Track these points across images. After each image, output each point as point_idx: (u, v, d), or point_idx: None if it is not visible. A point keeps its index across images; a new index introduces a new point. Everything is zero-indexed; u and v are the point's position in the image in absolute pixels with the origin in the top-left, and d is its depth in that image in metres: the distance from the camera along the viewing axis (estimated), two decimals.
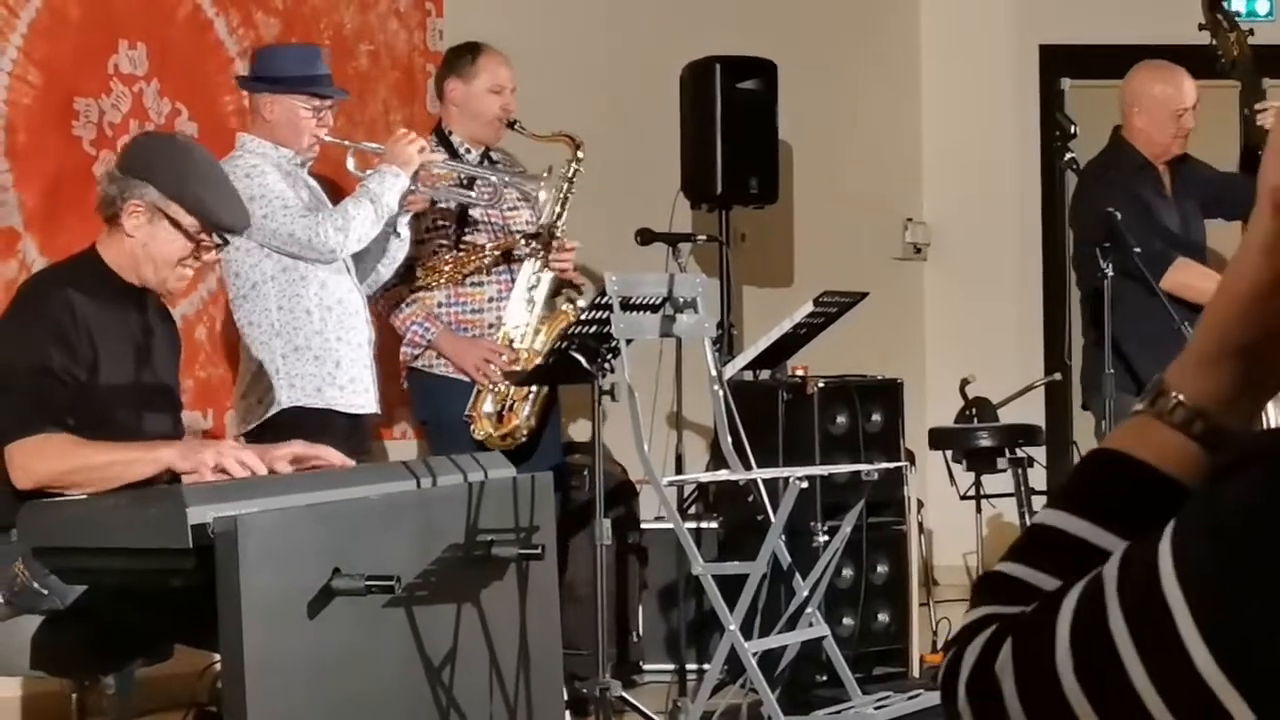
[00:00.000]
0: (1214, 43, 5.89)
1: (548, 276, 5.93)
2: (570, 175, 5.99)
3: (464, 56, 6.12)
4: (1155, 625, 1.10)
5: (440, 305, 5.97)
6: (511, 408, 5.92)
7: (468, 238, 5.98)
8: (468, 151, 6.08)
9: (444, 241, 5.97)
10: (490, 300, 5.97)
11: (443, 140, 6.06)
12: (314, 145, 5.49)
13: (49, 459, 3.93)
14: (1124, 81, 6.28)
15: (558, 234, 5.95)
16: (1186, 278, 5.84)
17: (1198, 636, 1.08)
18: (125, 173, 4.18)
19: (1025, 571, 1.22)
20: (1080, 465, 1.27)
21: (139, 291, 4.23)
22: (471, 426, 5.89)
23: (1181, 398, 1.21)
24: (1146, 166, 6.18)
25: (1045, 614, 1.15)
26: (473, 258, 5.97)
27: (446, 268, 5.95)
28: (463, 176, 5.96)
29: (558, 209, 5.97)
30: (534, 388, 5.90)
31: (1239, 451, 1.15)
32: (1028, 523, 6.64)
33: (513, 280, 5.96)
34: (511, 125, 6.06)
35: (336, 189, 5.75)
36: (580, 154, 6.02)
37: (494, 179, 5.91)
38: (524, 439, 5.87)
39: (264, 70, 5.51)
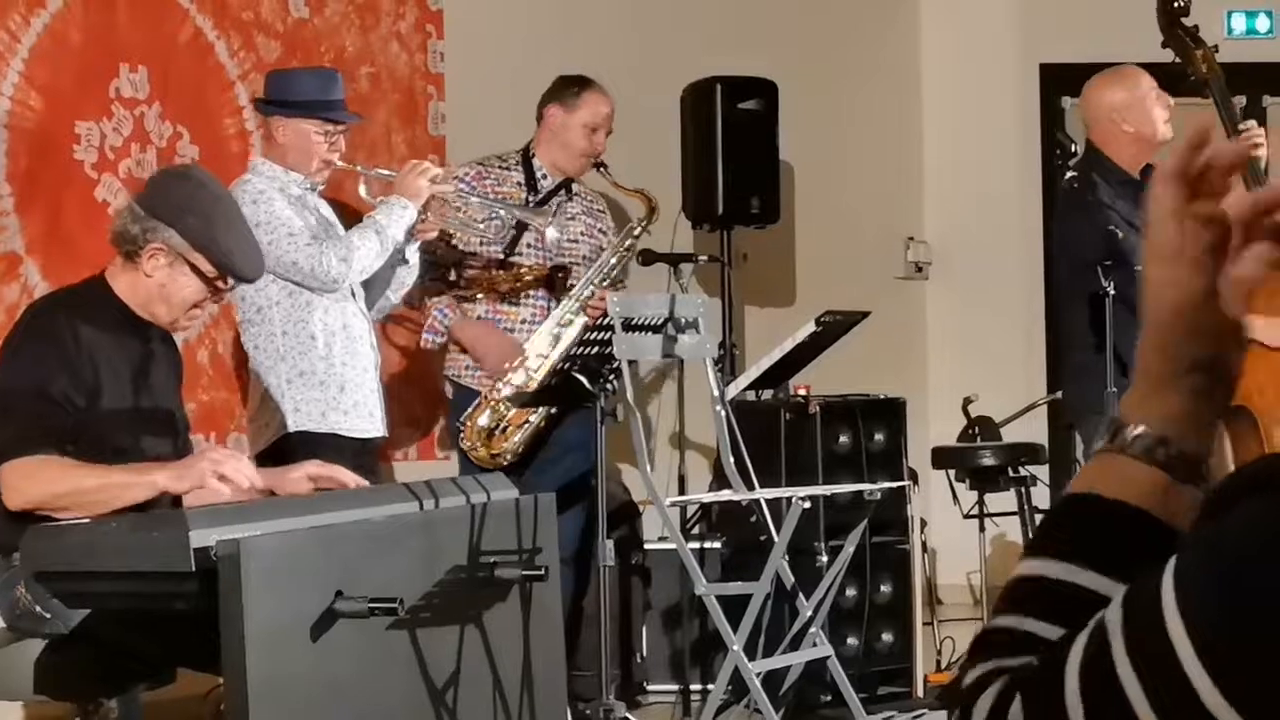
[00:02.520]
0: (1179, 60, 5.81)
1: (580, 320, 5.94)
2: (637, 233, 6.05)
3: (571, 87, 6.18)
4: (1158, 659, 1.10)
5: (479, 318, 6.02)
6: (505, 430, 5.93)
7: (515, 258, 6.02)
8: (544, 177, 6.13)
9: (495, 256, 6.02)
10: (523, 322, 6.02)
11: (524, 160, 6.11)
12: (324, 169, 5.48)
13: (41, 481, 3.94)
14: (1093, 98, 6.03)
15: (598, 283, 5.97)
16: None
17: (1200, 668, 1.08)
18: (150, 213, 4.16)
19: (1019, 621, 1.22)
20: (1051, 512, 1.28)
21: (143, 320, 4.24)
22: (461, 434, 5.91)
23: (1142, 428, 1.21)
24: (1129, 181, 6.07)
25: (1052, 663, 1.14)
26: (507, 277, 6.00)
27: (484, 280, 5.99)
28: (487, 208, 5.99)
29: (612, 259, 6.02)
30: (531, 419, 5.92)
31: (1239, 480, 1.14)
32: None
33: (549, 309, 5.99)
34: (598, 166, 6.10)
35: (350, 213, 5.74)
36: (655, 217, 6.10)
37: (502, 213, 5.92)
38: (507, 463, 5.87)
39: (277, 93, 5.51)
